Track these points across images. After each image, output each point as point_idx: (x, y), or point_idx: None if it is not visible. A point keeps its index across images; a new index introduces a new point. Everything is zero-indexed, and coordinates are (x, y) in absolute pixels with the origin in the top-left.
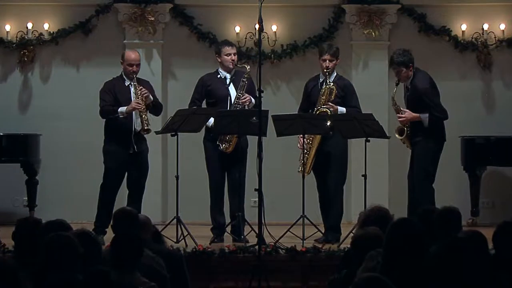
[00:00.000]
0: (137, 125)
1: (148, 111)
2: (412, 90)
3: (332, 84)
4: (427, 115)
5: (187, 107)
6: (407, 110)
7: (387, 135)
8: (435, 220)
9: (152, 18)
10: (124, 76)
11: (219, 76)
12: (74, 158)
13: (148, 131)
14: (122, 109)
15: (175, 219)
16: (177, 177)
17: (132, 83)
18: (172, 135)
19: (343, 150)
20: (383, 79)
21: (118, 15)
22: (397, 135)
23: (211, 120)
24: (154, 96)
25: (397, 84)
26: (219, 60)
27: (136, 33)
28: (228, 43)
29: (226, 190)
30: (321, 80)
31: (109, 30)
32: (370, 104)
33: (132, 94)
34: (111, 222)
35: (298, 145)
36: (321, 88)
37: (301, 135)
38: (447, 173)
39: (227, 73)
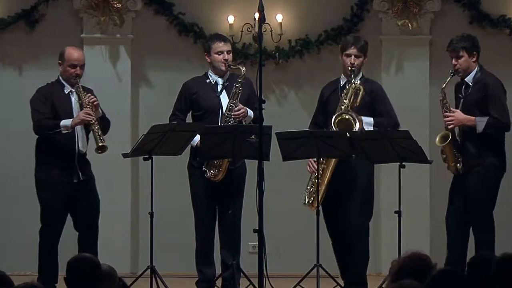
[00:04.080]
0: (81, 145)
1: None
2: (477, 87)
3: (359, 82)
4: (486, 118)
5: (166, 122)
6: (457, 110)
7: (429, 159)
8: (492, 271)
9: (119, 5)
10: (63, 81)
11: (208, 81)
12: (13, 188)
13: (103, 148)
14: (66, 122)
15: (148, 270)
16: (151, 215)
17: (74, 90)
18: (145, 159)
19: (368, 177)
20: (423, 84)
21: (73, 2)
22: (437, 142)
23: (197, 138)
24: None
25: (452, 74)
26: (209, 60)
27: (97, 25)
28: (220, 37)
29: (216, 231)
30: (341, 83)
31: (62, 21)
32: (406, 118)
33: (75, 105)
34: (66, 273)
35: (308, 168)
36: (341, 92)
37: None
38: (508, 207)
39: (219, 77)
